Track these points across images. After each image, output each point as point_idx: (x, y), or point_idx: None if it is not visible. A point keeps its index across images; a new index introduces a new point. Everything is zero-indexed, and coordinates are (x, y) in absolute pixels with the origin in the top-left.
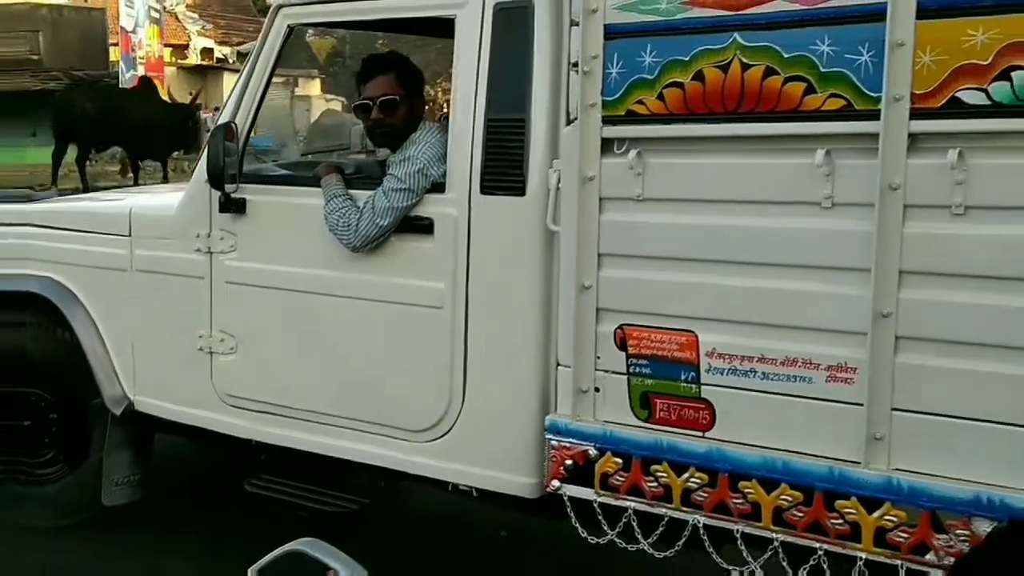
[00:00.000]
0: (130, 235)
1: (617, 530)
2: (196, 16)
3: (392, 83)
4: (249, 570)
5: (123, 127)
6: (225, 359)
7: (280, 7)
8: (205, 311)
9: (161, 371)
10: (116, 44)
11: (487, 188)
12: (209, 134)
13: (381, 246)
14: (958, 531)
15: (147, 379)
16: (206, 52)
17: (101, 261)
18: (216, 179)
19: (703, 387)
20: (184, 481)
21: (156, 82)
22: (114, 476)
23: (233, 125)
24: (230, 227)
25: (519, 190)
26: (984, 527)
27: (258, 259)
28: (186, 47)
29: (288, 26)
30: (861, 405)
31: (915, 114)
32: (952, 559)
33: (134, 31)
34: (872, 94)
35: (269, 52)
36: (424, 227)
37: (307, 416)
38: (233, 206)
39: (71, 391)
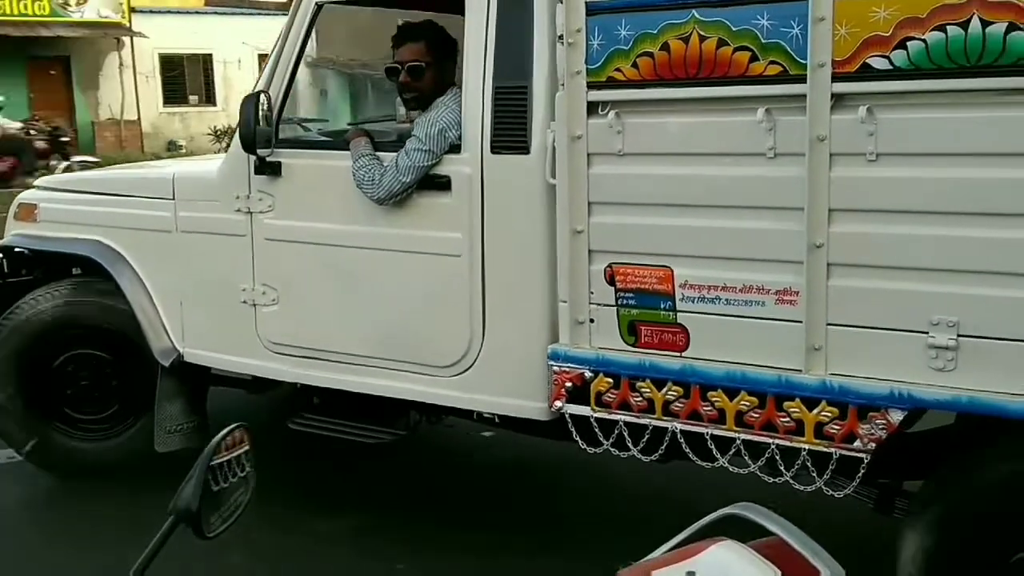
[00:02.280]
0: (174, 198)
1: (611, 440)
2: None
3: (421, 50)
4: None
5: None
6: (267, 310)
7: None
8: (247, 267)
9: (208, 324)
10: None
11: (496, 148)
12: (241, 102)
13: (405, 202)
14: (877, 421)
15: (195, 332)
16: None
17: (148, 223)
18: (248, 144)
19: (678, 314)
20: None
21: None
22: (167, 425)
23: (265, 94)
24: (267, 188)
25: (524, 149)
26: (897, 416)
27: (294, 217)
28: None
29: (316, 3)
30: (801, 322)
31: (836, 78)
32: (874, 444)
33: None
34: (802, 61)
35: (299, 28)
36: (442, 184)
37: (344, 359)
38: (269, 169)
39: (131, 348)
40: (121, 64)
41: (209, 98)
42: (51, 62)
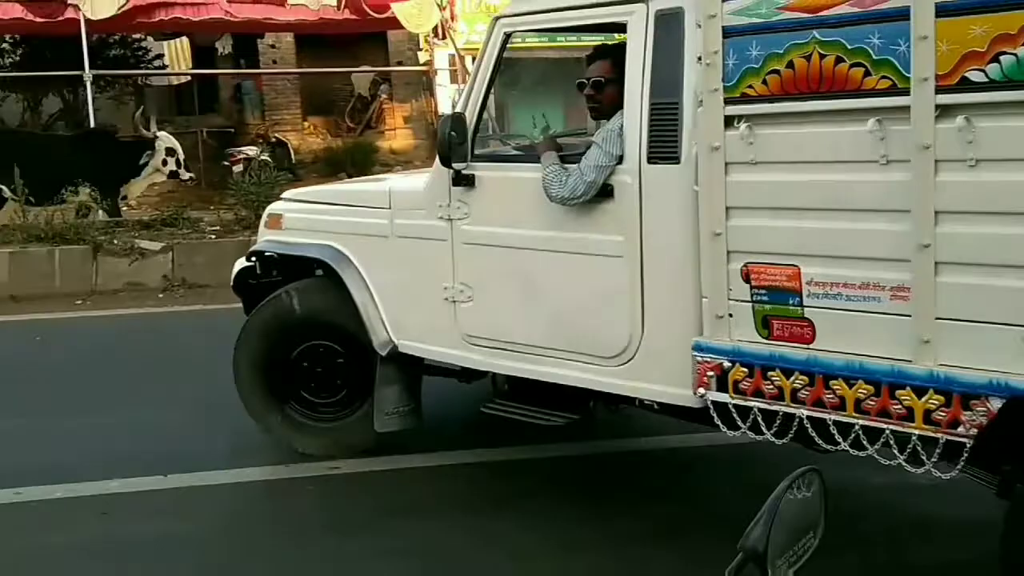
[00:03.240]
0: (390, 208)
1: (748, 424)
2: None
3: (606, 67)
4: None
5: None
6: (464, 306)
7: (499, 18)
8: (448, 267)
9: (416, 318)
10: None
11: (652, 159)
12: (440, 122)
13: (576, 208)
14: (978, 408)
15: (406, 325)
16: None
17: (369, 230)
18: (444, 158)
19: (806, 309)
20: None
21: None
22: (385, 408)
23: (462, 115)
24: (464, 198)
25: (675, 159)
26: (996, 404)
27: (486, 223)
28: None
29: (505, 33)
30: (911, 316)
31: (939, 90)
32: (976, 430)
33: None
34: (908, 75)
35: (490, 55)
36: (607, 192)
37: (526, 349)
38: (464, 181)
39: (355, 340)
40: None
41: None
42: None
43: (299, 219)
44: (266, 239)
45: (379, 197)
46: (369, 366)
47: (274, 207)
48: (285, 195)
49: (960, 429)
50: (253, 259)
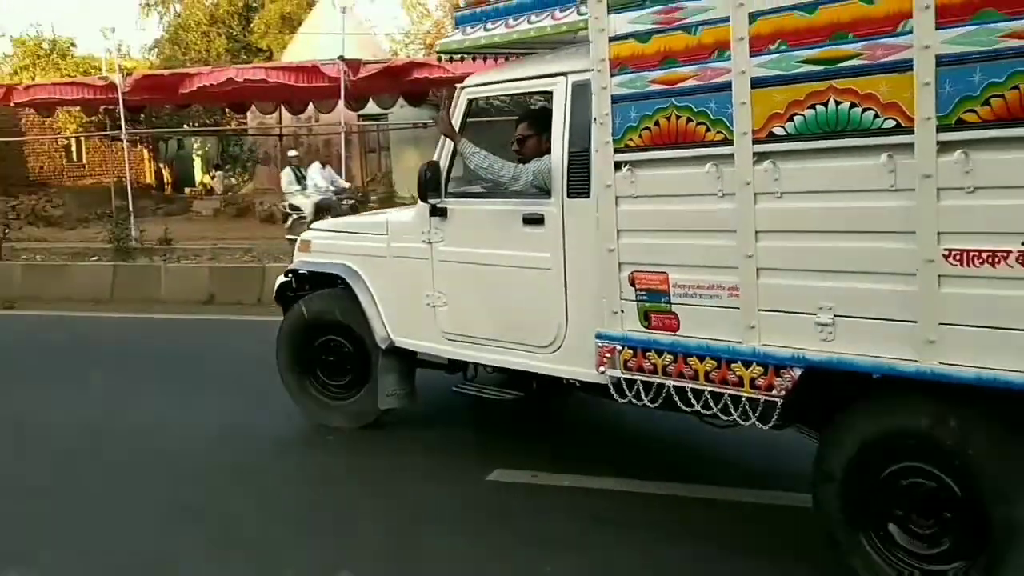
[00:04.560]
0: (387, 234)
1: (633, 394)
2: None
3: (527, 127)
4: None
5: None
6: (441, 309)
7: (464, 88)
8: (429, 279)
9: (407, 319)
10: None
11: (571, 194)
12: (419, 169)
13: (518, 233)
14: (786, 376)
15: (400, 325)
16: None
17: (372, 251)
18: (423, 195)
19: (672, 305)
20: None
21: None
22: (385, 390)
23: (436, 163)
24: (439, 226)
25: (587, 194)
26: (797, 372)
27: (456, 245)
28: None
29: (468, 99)
30: (739, 308)
31: (755, 141)
32: (785, 392)
33: None
34: (734, 130)
35: (458, 115)
36: (539, 220)
37: (486, 342)
38: (439, 213)
39: (359, 338)
40: None
41: None
42: None
43: (322, 244)
44: (298, 260)
45: (379, 226)
46: (367, 357)
47: (305, 235)
48: (313, 226)
49: (774, 392)
50: (289, 275)
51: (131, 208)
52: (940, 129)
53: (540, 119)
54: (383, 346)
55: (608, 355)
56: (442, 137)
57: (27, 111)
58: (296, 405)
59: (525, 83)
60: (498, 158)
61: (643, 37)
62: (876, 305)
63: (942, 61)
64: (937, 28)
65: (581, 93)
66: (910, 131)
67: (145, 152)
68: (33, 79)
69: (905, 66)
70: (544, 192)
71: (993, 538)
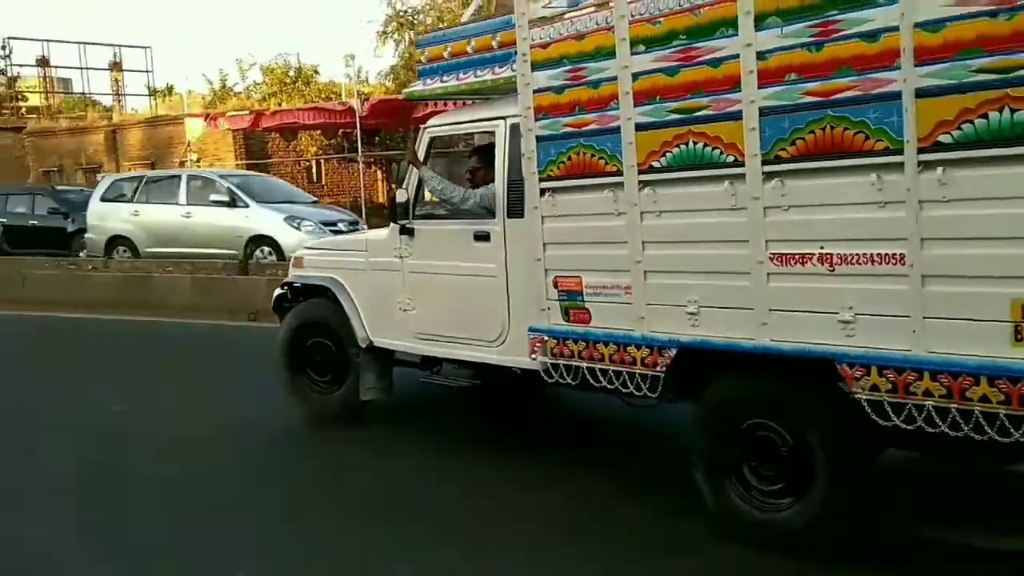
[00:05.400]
0: (367, 251)
1: (558, 376)
2: None
3: (476, 160)
4: None
5: None
6: (411, 313)
7: (426, 128)
8: (401, 288)
9: (383, 322)
10: None
11: (510, 214)
12: (388, 196)
13: (468, 248)
14: (666, 355)
15: (378, 327)
16: None
17: (354, 265)
18: (392, 217)
19: (585, 302)
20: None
21: None
22: (366, 384)
23: (403, 190)
24: (408, 244)
25: (522, 215)
26: (673, 352)
27: (421, 259)
28: None
29: (430, 136)
30: (632, 304)
31: (763, 162)
32: (665, 369)
33: None
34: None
35: (421, 150)
36: (486, 236)
37: (445, 339)
38: (407, 233)
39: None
40: None
41: None
42: None
43: (313, 260)
44: (293, 275)
45: (360, 244)
46: (347, 357)
47: (298, 252)
48: (305, 244)
49: (658, 368)
50: (285, 287)
51: (365, 225)
52: (764, 163)
53: (486, 153)
54: (363, 346)
55: (538, 345)
56: (410, 167)
57: (273, 135)
58: (290, 394)
59: (474, 124)
60: (451, 184)
61: (558, 90)
62: (727, 297)
63: (763, 112)
64: (759, 88)
65: (517, 133)
66: (743, 164)
67: (379, 173)
68: (280, 105)
69: (739, 115)
70: (490, 213)
71: (815, 478)
